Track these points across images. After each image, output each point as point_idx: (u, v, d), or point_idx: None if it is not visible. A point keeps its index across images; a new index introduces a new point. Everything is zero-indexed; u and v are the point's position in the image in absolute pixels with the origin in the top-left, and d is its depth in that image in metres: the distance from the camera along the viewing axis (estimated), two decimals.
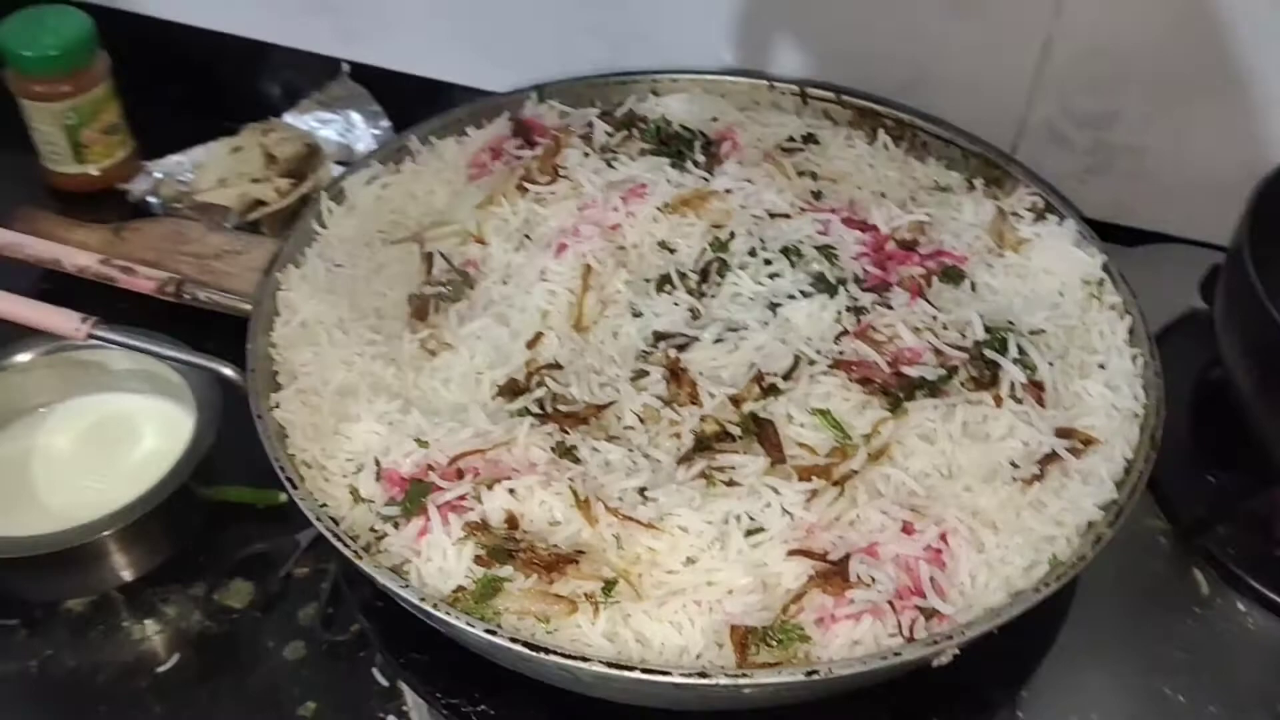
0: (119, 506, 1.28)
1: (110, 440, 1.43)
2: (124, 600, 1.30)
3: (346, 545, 1.05)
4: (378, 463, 1.12)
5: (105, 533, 1.27)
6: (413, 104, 1.78)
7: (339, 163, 1.77)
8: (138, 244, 1.63)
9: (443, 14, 1.75)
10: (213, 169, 1.73)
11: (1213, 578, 1.32)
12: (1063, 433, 1.15)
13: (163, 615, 1.29)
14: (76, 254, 1.42)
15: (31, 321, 1.34)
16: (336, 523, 1.09)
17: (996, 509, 1.09)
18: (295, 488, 1.10)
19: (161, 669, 1.25)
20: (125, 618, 1.29)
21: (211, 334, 1.37)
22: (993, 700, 1.19)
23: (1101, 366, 1.23)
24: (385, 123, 1.82)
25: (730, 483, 1.08)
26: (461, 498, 1.07)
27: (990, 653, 1.05)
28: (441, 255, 1.35)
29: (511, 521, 1.06)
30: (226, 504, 1.37)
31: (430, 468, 1.10)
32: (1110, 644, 1.27)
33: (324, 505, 1.12)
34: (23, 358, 1.43)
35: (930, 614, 1.02)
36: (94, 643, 1.27)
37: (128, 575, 1.32)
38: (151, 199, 1.75)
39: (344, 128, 1.83)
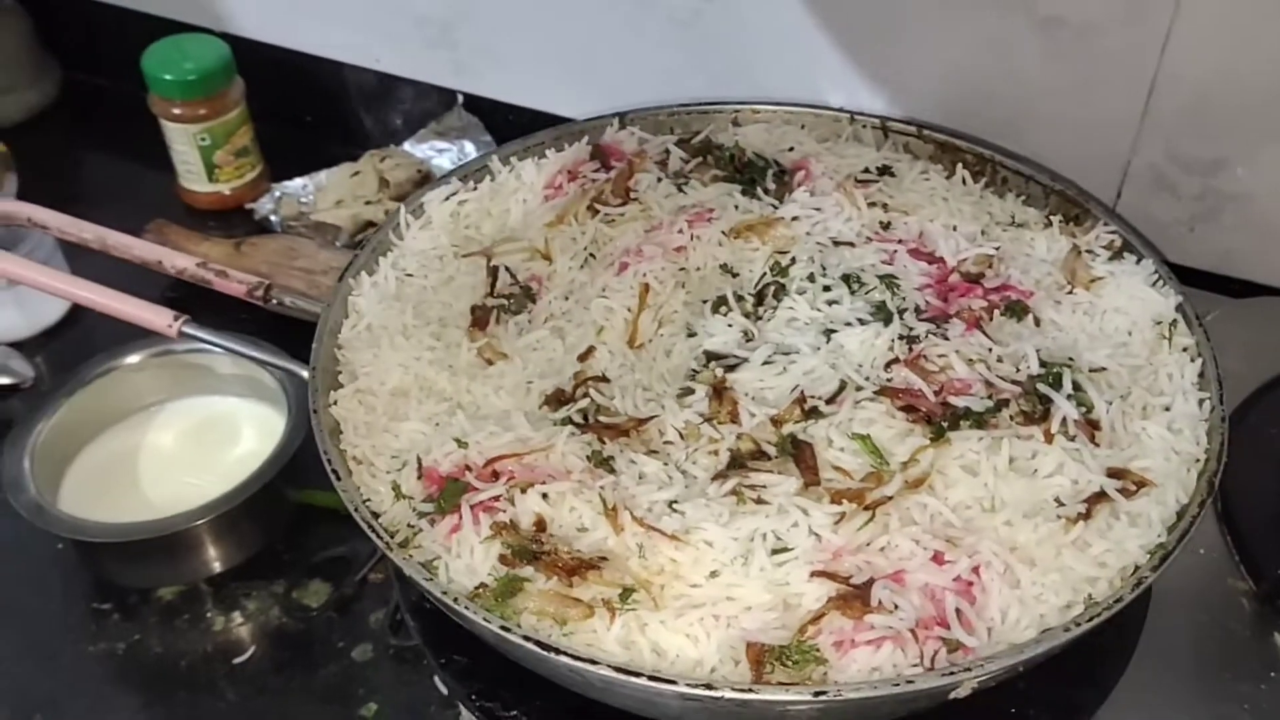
0: (211, 499, 1.35)
1: (212, 440, 1.51)
2: (211, 592, 1.37)
3: (380, 537, 1.08)
4: (419, 461, 1.15)
5: (196, 523, 1.34)
6: (520, 133, 1.80)
7: None
8: (255, 257, 1.73)
9: (550, 50, 1.83)
10: (332, 191, 1.83)
11: (1261, 620, 1.25)
12: (1115, 473, 1.11)
13: (244, 608, 1.36)
14: (176, 256, 1.50)
15: (127, 315, 1.43)
16: (376, 516, 1.13)
17: (1036, 545, 1.06)
18: (339, 479, 1.13)
19: (239, 660, 1.31)
20: (210, 608, 1.36)
21: (303, 340, 1.39)
22: None
23: (1166, 409, 1.18)
24: (485, 136, 1.91)
25: (760, 500, 1.08)
26: (495, 499, 1.10)
27: (1050, 705, 1.01)
28: (506, 269, 1.38)
29: (540, 524, 1.08)
30: (311, 506, 1.43)
31: (468, 468, 1.13)
32: (1175, 705, 1.21)
33: (367, 500, 1.15)
34: (133, 359, 1.53)
35: (955, 646, 1.00)
36: (179, 630, 1.34)
37: (217, 567, 1.39)
38: (273, 217, 1.86)
39: (458, 157, 1.91)
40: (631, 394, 1.23)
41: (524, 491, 1.10)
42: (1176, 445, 1.14)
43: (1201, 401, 1.18)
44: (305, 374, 1.32)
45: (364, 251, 1.42)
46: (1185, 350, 1.24)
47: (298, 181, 1.89)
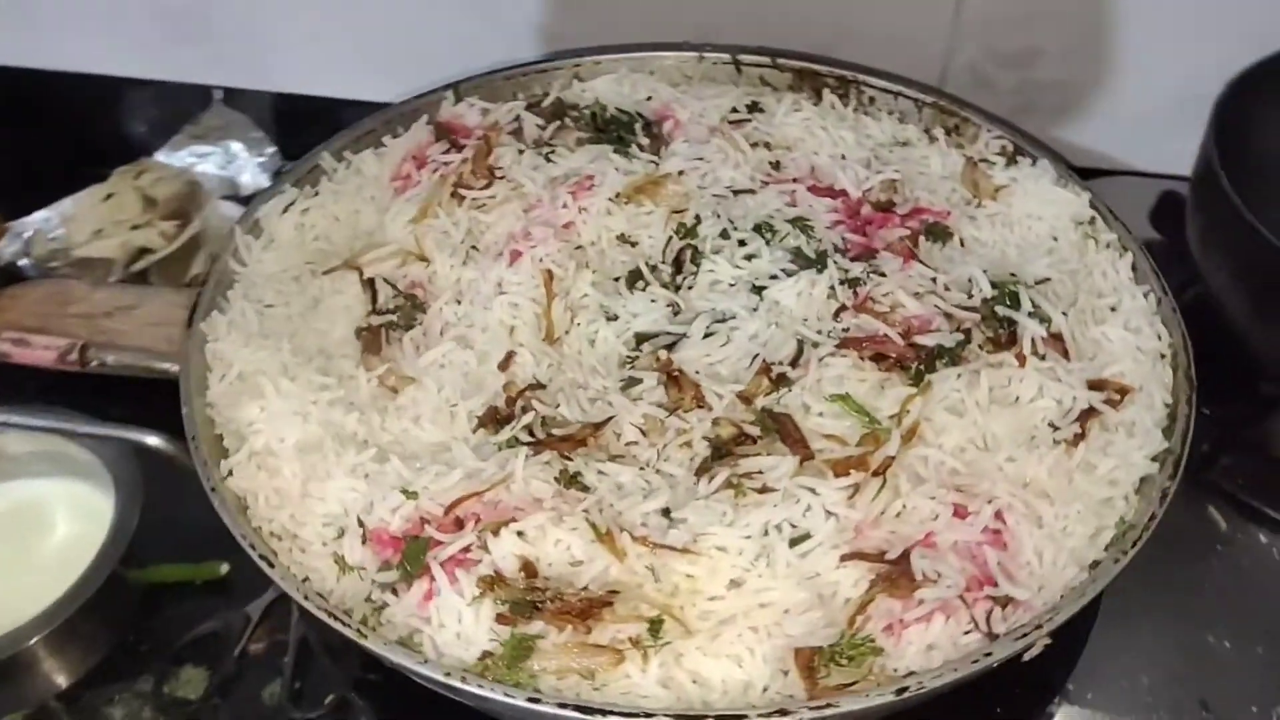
0: (43, 608, 1.13)
1: (20, 532, 1.26)
2: (63, 709, 1.16)
3: (345, 624, 0.91)
4: (361, 523, 0.98)
5: (32, 640, 1.12)
6: (299, 125, 1.66)
7: (226, 197, 1.62)
8: (18, 312, 1.43)
9: (319, 28, 1.60)
10: (85, 220, 1.54)
11: (1229, 514, 1.27)
12: (1095, 385, 1.08)
13: (110, 718, 1.14)
14: None
15: None
16: (325, 598, 0.95)
17: (1046, 477, 1.01)
18: (272, 565, 0.95)
19: None
20: None
21: (114, 400, 1.22)
22: (1052, 681, 1.11)
23: (1113, 309, 1.16)
24: (270, 149, 1.68)
25: (763, 489, 0.98)
26: (466, 550, 0.94)
27: None
28: (385, 280, 1.20)
29: (528, 569, 0.94)
30: (161, 585, 1.23)
31: (424, 520, 0.97)
32: (1144, 602, 1.20)
33: (306, 579, 0.97)
34: None
35: (1005, 602, 0.94)
36: None
37: (64, 681, 1.17)
38: (23, 261, 1.56)
39: (224, 159, 1.68)
40: (572, 397, 1.09)
41: (496, 534, 0.95)
42: (1139, 344, 1.12)
43: (1146, 294, 1.17)
44: (160, 443, 1.11)
45: (206, 288, 1.20)
46: (1110, 246, 1.23)
47: (39, 215, 1.59)
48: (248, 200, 1.56)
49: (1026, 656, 0.90)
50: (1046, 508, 0.99)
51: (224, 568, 1.21)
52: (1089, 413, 1.05)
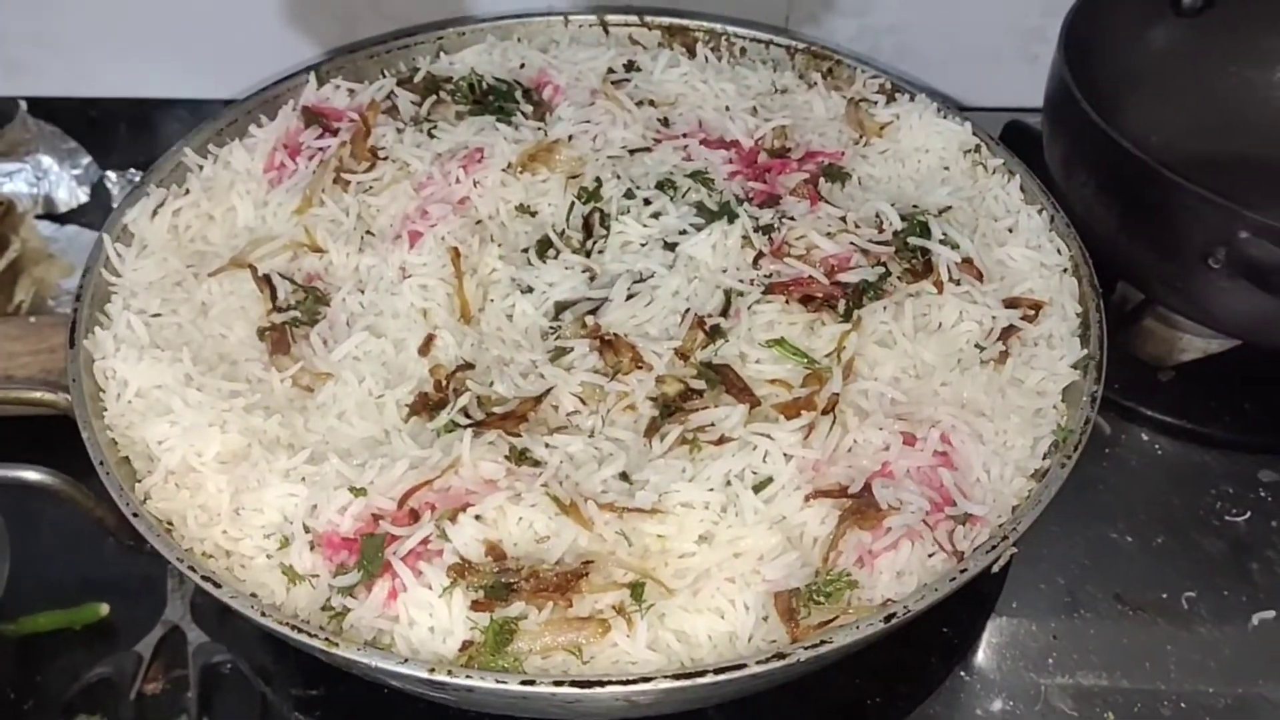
0: None
1: None
2: None
3: (311, 635, 0.85)
4: (307, 529, 0.92)
5: None
6: (116, 132, 1.56)
7: (42, 216, 1.50)
8: None
9: (119, 24, 1.49)
10: None
11: (1111, 418, 1.33)
12: (1009, 303, 1.11)
13: None
14: None
15: None
16: (277, 611, 0.89)
17: (981, 396, 1.04)
18: (218, 586, 0.88)
19: None
20: None
21: None
22: (984, 595, 1.15)
23: (1010, 230, 1.20)
24: (85, 159, 1.56)
25: (720, 440, 0.97)
26: (425, 541, 0.90)
27: None
28: (280, 276, 1.13)
29: (495, 551, 0.90)
30: (36, 635, 1.12)
31: (377, 517, 0.92)
32: (1050, 510, 1.25)
33: (253, 595, 0.91)
34: None
35: (964, 519, 0.96)
36: None
37: None
38: None
39: (35, 175, 1.54)
40: (503, 373, 1.06)
41: (454, 520, 0.91)
42: (1043, 259, 1.16)
43: (1039, 211, 1.21)
44: (43, 478, 1.02)
45: (81, 303, 1.11)
46: (996, 171, 1.26)
47: None
48: (65, 218, 1.50)
49: (995, 568, 0.92)
50: (986, 425, 1.02)
51: (104, 609, 1.12)
52: (1009, 330, 1.08)
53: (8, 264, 1.35)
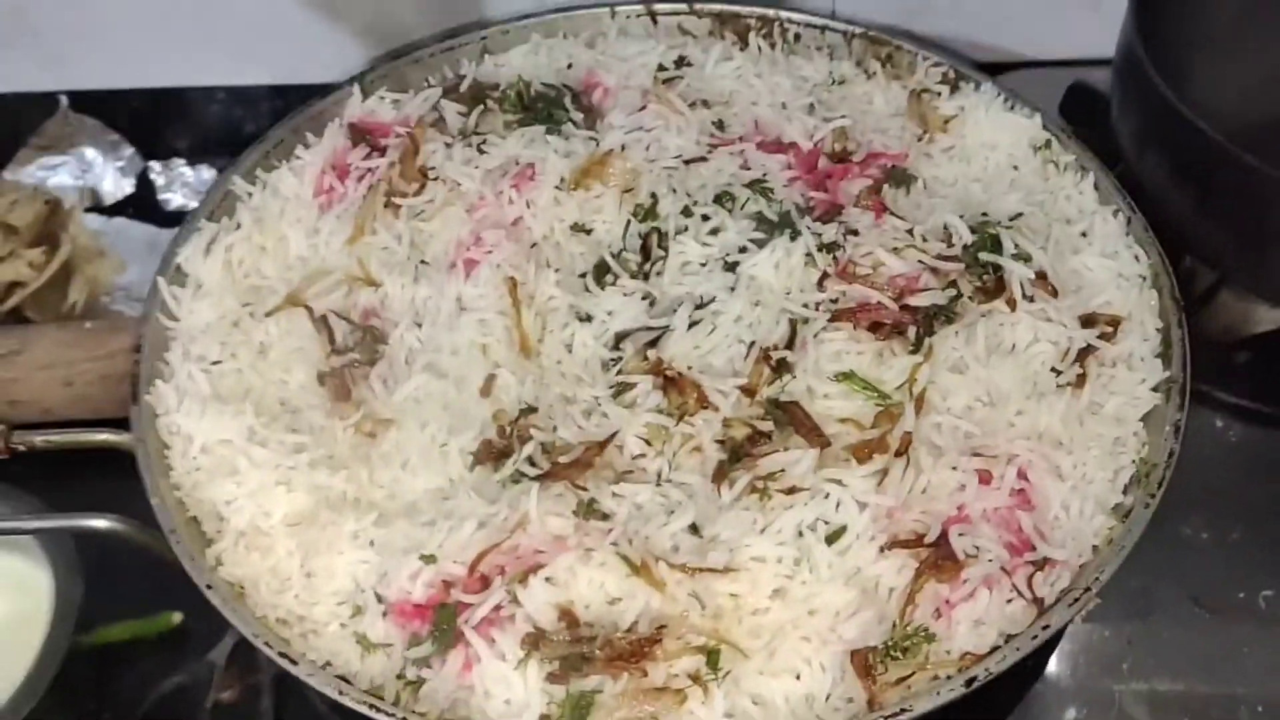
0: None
1: None
2: None
3: (388, 714, 0.86)
4: (379, 597, 0.92)
5: None
6: (157, 122, 1.54)
7: (89, 209, 1.49)
8: None
9: (156, 13, 1.45)
10: None
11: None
12: (1085, 320, 1.07)
13: None
14: None
15: None
16: (351, 682, 0.90)
17: (1059, 425, 1.00)
18: (295, 663, 0.88)
19: None
20: None
21: (39, 473, 1.11)
22: None
23: (1084, 235, 1.15)
24: (128, 150, 1.54)
25: (790, 490, 0.95)
26: (497, 608, 0.90)
27: None
28: (336, 315, 1.12)
29: (568, 617, 0.90)
30: (111, 646, 1.14)
31: (447, 583, 0.91)
32: None
33: (327, 665, 0.92)
34: None
35: (1041, 564, 0.93)
36: None
37: None
38: None
39: (79, 169, 1.53)
40: (568, 415, 1.04)
41: (524, 584, 0.91)
42: (1120, 269, 1.11)
43: (1115, 213, 1.16)
44: (112, 525, 1.03)
45: (142, 355, 1.10)
46: (1069, 168, 1.21)
47: None
48: (111, 211, 1.49)
49: (1079, 619, 0.90)
50: (1064, 457, 0.99)
51: (177, 617, 1.13)
52: (1086, 351, 1.04)
53: (60, 264, 1.34)
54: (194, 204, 1.49)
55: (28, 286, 1.32)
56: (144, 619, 1.14)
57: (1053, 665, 1.11)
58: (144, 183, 1.53)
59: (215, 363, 1.10)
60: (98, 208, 1.50)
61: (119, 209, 1.51)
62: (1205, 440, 1.24)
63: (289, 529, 0.97)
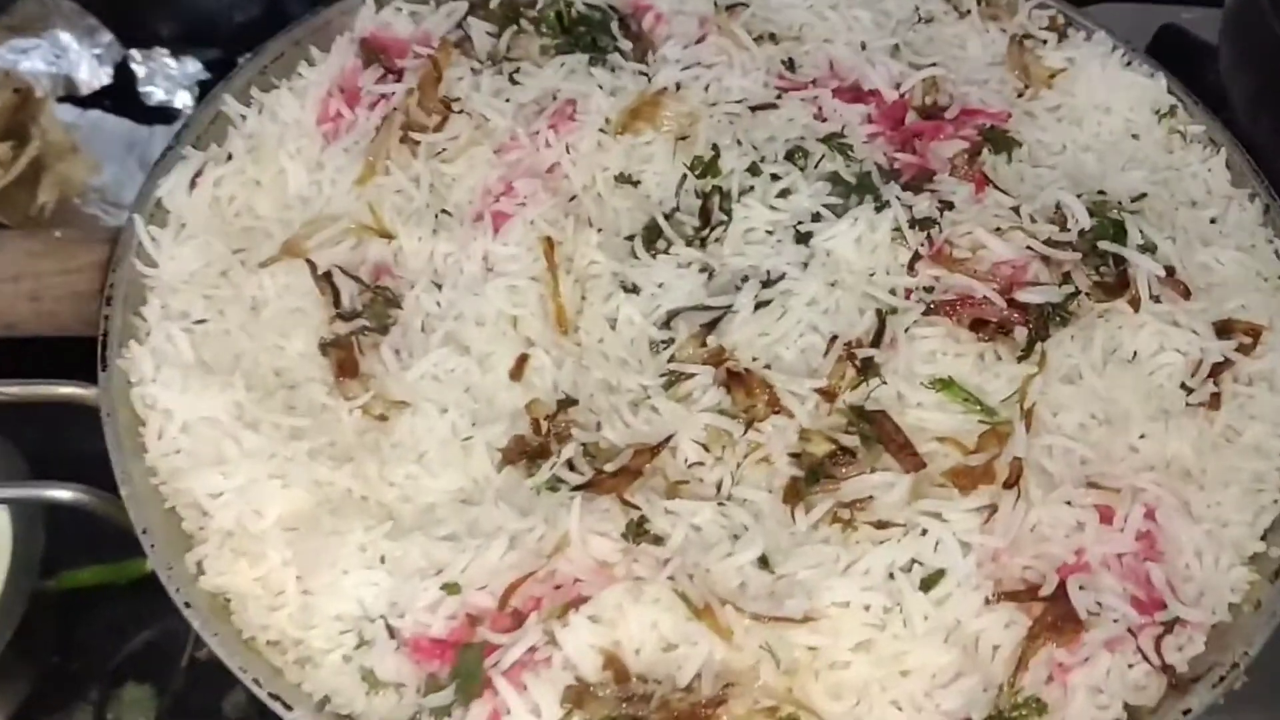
0: None
1: None
2: None
3: None
4: (391, 630, 0.77)
5: None
6: (140, 6, 1.44)
7: (64, 99, 1.38)
8: None
9: None
10: None
11: None
12: (1220, 328, 0.92)
13: None
14: None
15: None
16: None
17: (1189, 453, 0.86)
18: (290, 709, 0.74)
19: None
20: None
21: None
22: None
23: (1213, 221, 1.00)
24: (107, 37, 1.43)
25: (880, 524, 0.80)
26: (532, 650, 0.75)
27: None
28: (342, 272, 0.95)
29: (615, 666, 0.76)
30: (79, 591, 1.05)
31: (473, 617, 0.77)
32: None
33: (325, 700, 0.77)
34: None
35: (1172, 624, 0.80)
36: None
37: None
38: None
39: (53, 52, 1.42)
40: (612, 409, 0.89)
41: (564, 620, 0.76)
42: (1258, 267, 0.96)
43: (1252, 197, 1.00)
44: (76, 497, 0.89)
45: (113, 308, 0.94)
46: (1197, 141, 1.05)
47: None
48: (87, 102, 1.38)
49: (1221, 700, 0.77)
50: (1195, 494, 0.85)
51: (150, 564, 1.00)
52: (1221, 365, 0.90)
53: (29, 161, 1.23)
54: (177, 99, 1.44)
55: None
56: (114, 564, 1.05)
57: None
58: (123, 72, 1.44)
59: (199, 321, 0.94)
60: (71, 98, 1.41)
61: (95, 100, 1.42)
62: None
63: (284, 533, 0.83)
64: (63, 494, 0.94)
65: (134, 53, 1.43)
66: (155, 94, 1.43)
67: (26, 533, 1.00)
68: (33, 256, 1.05)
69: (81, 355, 0.93)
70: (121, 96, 1.41)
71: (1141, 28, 1.36)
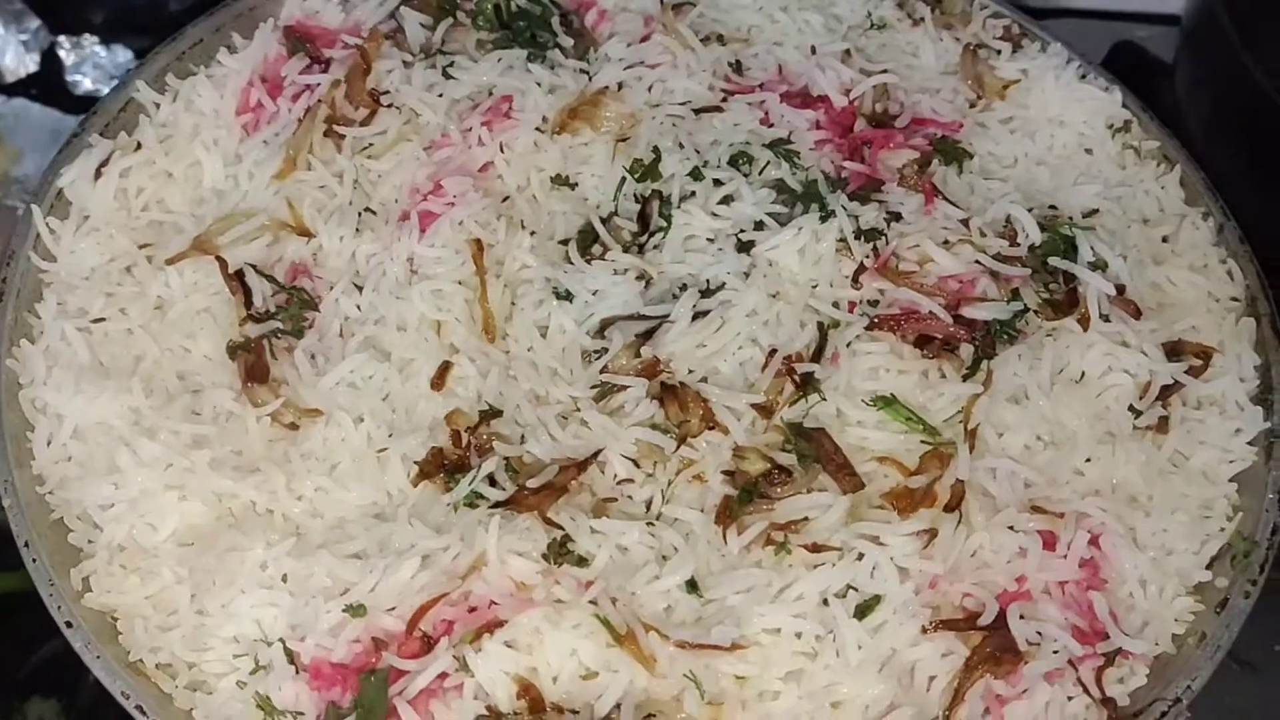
0: None
1: None
2: None
3: None
4: (289, 654, 0.72)
5: None
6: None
7: None
8: None
9: None
10: None
11: None
12: (1170, 349, 0.89)
13: None
14: None
15: None
16: None
17: (1136, 479, 0.83)
18: None
19: None
20: None
21: None
22: None
23: (1165, 240, 0.97)
24: (34, 23, 1.39)
25: (815, 547, 0.76)
26: (442, 677, 0.70)
27: None
28: (255, 271, 0.90)
29: (530, 693, 0.71)
30: None
31: (379, 642, 0.72)
32: None
33: None
34: None
35: (1113, 655, 0.76)
36: None
37: None
38: None
39: None
40: (538, 423, 0.84)
41: (477, 646, 0.71)
42: (1210, 288, 0.94)
43: (1205, 215, 0.98)
44: None
45: (4, 305, 0.88)
46: (1151, 157, 1.02)
47: None
48: (11, 90, 1.35)
49: None
50: (1141, 520, 0.82)
51: None
52: (1170, 388, 0.87)
53: None
54: (106, 89, 1.32)
55: None
56: (21, 571, 0.94)
57: None
58: (50, 60, 1.39)
59: (98, 320, 0.89)
60: None
61: (20, 88, 1.37)
62: None
63: (179, 549, 0.78)
64: None
65: (62, 39, 1.38)
66: (83, 83, 1.38)
67: None
68: None
69: None
70: (47, 85, 1.37)
71: (1096, 44, 1.34)
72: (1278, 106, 1.01)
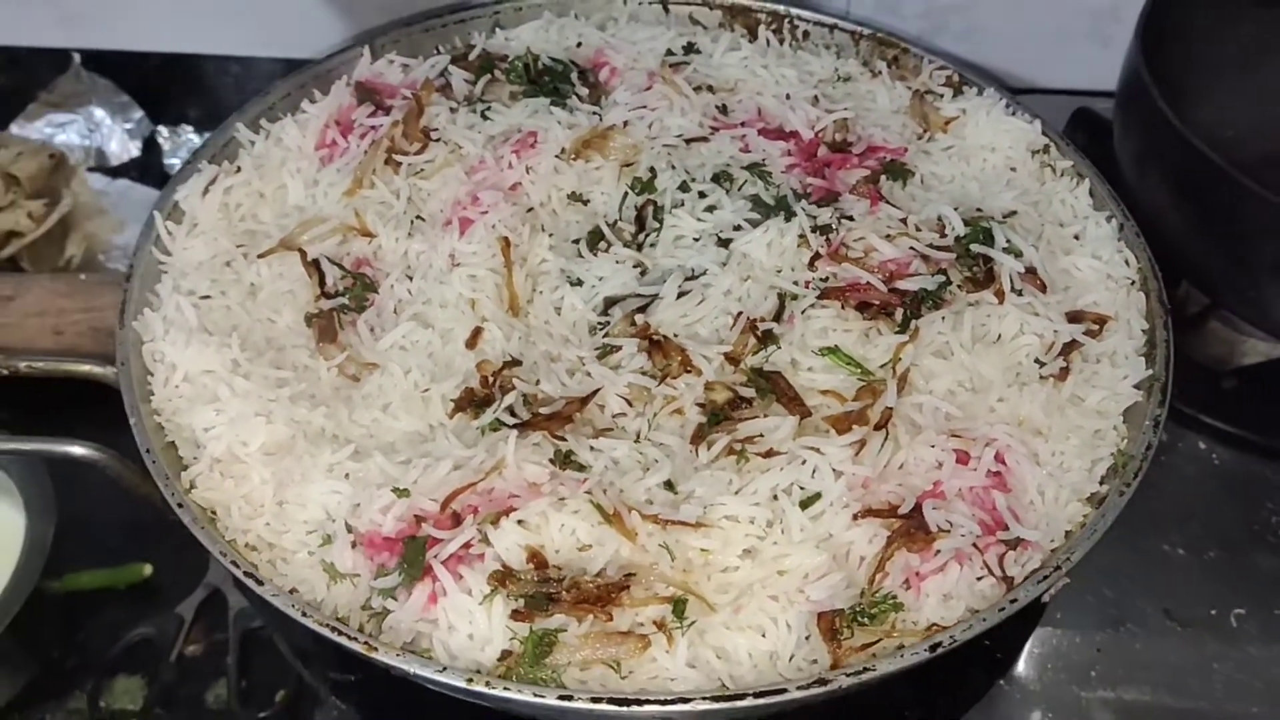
0: None
1: None
2: None
3: (351, 638, 0.85)
4: (349, 528, 0.92)
5: None
6: (168, 87, 1.56)
7: (94, 169, 1.50)
8: None
9: None
10: None
11: (1167, 424, 1.28)
12: (1072, 317, 1.07)
13: None
14: None
15: None
16: (317, 609, 0.89)
17: (1039, 414, 1.01)
18: (260, 583, 0.88)
19: None
20: None
21: (10, 404, 1.13)
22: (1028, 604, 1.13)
23: (1076, 237, 1.16)
24: (138, 114, 1.56)
25: (767, 453, 0.95)
26: (467, 545, 0.89)
27: None
28: (329, 260, 1.12)
29: (536, 559, 0.89)
30: (80, 594, 1.14)
31: (419, 518, 0.91)
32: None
33: (293, 591, 0.91)
34: None
35: (1014, 544, 0.93)
36: None
37: None
38: None
39: (87, 127, 1.54)
40: (551, 371, 1.04)
41: (496, 525, 0.90)
42: (1110, 271, 1.12)
43: (1110, 218, 1.17)
44: (88, 453, 1.02)
45: (131, 284, 1.10)
46: (1066, 174, 1.22)
47: None
48: (116, 172, 1.49)
49: (1046, 597, 0.90)
50: (1042, 445, 0.99)
51: (147, 569, 1.13)
52: (1071, 345, 1.05)
53: (59, 218, 1.35)
54: None
55: (25, 237, 1.33)
56: (114, 569, 1.13)
57: (1020, 667, 1.11)
58: (151, 146, 1.55)
59: (204, 297, 1.10)
60: (103, 168, 1.51)
61: (124, 171, 1.51)
62: (1189, 462, 1.26)
63: (265, 458, 0.97)
64: (75, 449, 1.08)
65: (161, 129, 1.54)
66: (179, 166, 1.43)
67: (37, 529, 1.09)
68: (57, 295, 1.20)
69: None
70: (148, 168, 1.52)
71: (1061, 113, 1.53)
72: (1186, 140, 1.18)
